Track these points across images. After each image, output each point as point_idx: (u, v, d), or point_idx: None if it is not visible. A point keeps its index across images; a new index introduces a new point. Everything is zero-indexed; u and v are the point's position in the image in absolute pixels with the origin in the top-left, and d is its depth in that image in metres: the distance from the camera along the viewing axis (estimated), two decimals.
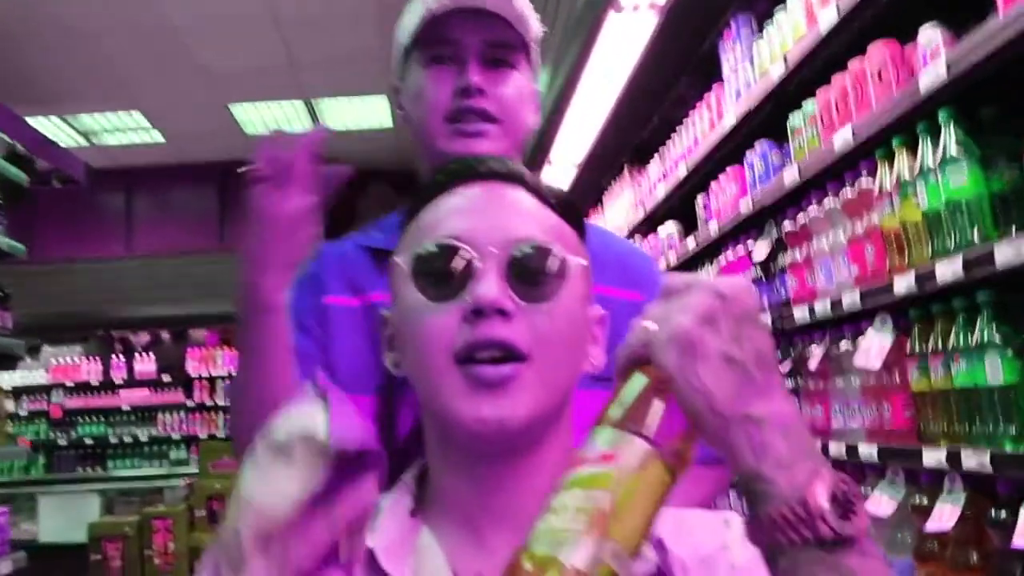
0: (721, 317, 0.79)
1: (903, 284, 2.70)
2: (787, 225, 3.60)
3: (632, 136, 5.79)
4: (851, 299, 3.03)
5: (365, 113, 10.03)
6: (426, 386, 0.99)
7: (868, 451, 3.01)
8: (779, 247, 3.71)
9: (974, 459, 2.45)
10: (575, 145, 5.89)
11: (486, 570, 0.95)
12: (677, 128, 4.99)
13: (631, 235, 6.11)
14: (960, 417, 2.56)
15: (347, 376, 1.45)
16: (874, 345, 2.91)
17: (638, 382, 0.78)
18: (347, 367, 1.50)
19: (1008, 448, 2.37)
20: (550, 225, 1.03)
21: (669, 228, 5.31)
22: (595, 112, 5.31)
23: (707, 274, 4.68)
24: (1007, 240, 2.28)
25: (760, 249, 3.85)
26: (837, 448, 3.22)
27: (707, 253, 4.65)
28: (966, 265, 2.40)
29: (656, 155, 5.41)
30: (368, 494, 0.97)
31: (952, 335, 2.57)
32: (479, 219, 1.00)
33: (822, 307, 3.25)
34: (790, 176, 3.46)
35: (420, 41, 1.56)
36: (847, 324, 3.20)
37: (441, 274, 0.98)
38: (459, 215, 1.01)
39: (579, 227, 1.08)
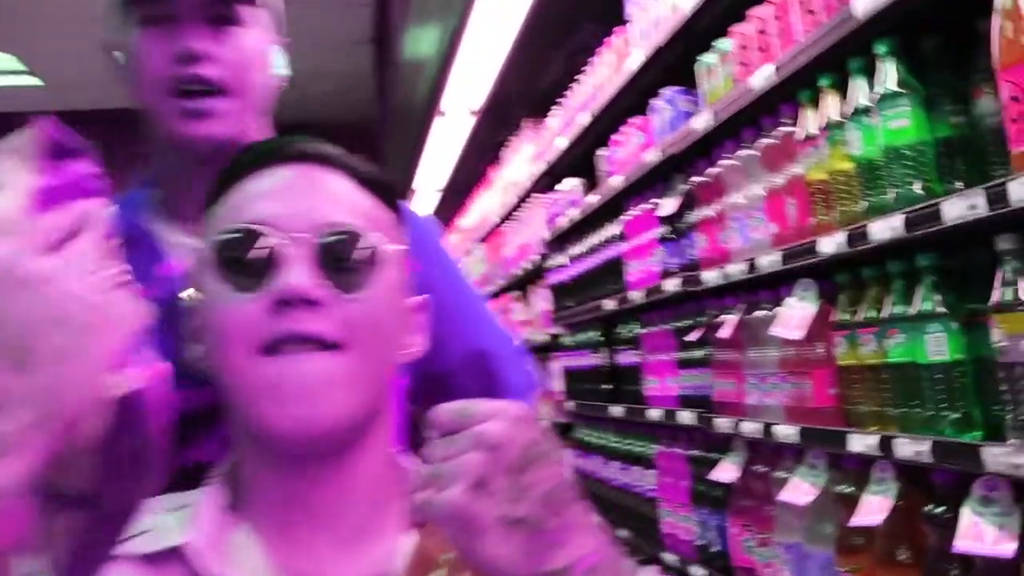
0: (496, 474, 0.74)
1: (830, 244, 2.32)
2: (697, 178, 3.20)
3: (532, 84, 5.35)
4: (769, 261, 2.64)
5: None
6: (228, 383, 0.92)
7: (787, 432, 2.64)
8: (688, 202, 3.31)
9: (909, 447, 2.09)
10: (469, 93, 5.41)
11: (306, 567, 0.93)
12: (579, 76, 4.56)
13: (531, 191, 5.68)
14: (894, 398, 2.20)
15: None
16: (795, 313, 2.53)
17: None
18: None
19: (949, 435, 2.01)
20: (364, 209, 0.98)
21: (571, 183, 4.89)
22: (490, 56, 4.85)
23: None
24: (955, 195, 1.90)
25: (667, 204, 3.45)
26: (752, 427, 2.85)
27: (610, 210, 4.25)
28: (908, 223, 2.02)
29: (557, 105, 4.97)
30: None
31: (887, 303, 2.20)
32: (286, 203, 0.94)
33: (736, 269, 2.86)
34: (701, 122, 3.06)
35: None
36: (765, 289, 2.82)
37: (244, 262, 0.91)
38: (265, 198, 0.95)
39: (397, 209, 1.04)
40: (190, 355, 0.97)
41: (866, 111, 2.18)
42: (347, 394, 0.89)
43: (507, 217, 6.64)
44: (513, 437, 0.75)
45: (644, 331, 3.91)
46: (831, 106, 2.36)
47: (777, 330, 2.57)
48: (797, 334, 2.50)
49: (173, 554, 0.91)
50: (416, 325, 1.03)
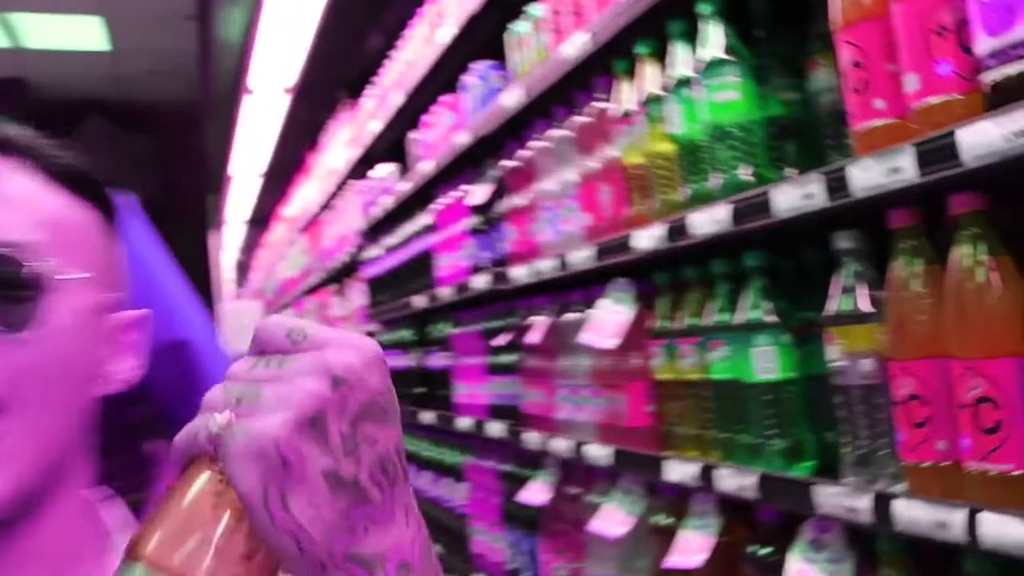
0: (333, 416, 0.55)
1: (646, 238, 1.96)
2: (508, 162, 2.81)
3: (349, 61, 4.86)
4: (581, 257, 2.27)
5: (75, 33, 8.54)
6: None
7: (599, 453, 2.28)
8: (500, 190, 2.92)
9: (733, 479, 1.74)
10: (280, 69, 4.89)
11: None
12: (392, 52, 4.12)
13: (348, 178, 5.21)
14: (717, 420, 1.86)
15: None
16: (608, 318, 2.17)
17: (195, 495, 0.53)
18: None
19: (777, 467, 1.68)
20: (48, 214, 0.78)
21: (385, 169, 4.44)
22: (299, 30, 4.35)
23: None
24: (788, 181, 1.56)
25: (477, 192, 3.05)
26: (563, 445, 2.48)
27: (421, 198, 3.82)
28: (735, 215, 1.67)
29: (371, 85, 4.51)
30: None
31: (710, 310, 1.86)
32: None
33: (547, 266, 2.48)
34: (511, 99, 2.67)
35: None
36: (578, 288, 2.46)
37: None
38: None
39: (103, 204, 0.85)
40: None
41: (688, 83, 1.83)
42: (10, 470, 0.73)
43: (326, 206, 6.14)
44: (363, 377, 0.56)
45: (455, 332, 3.50)
46: (650, 78, 2.00)
47: (587, 337, 2.20)
48: (610, 342, 2.13)
49: None
50: (127, 346, 0.85)
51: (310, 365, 0.55)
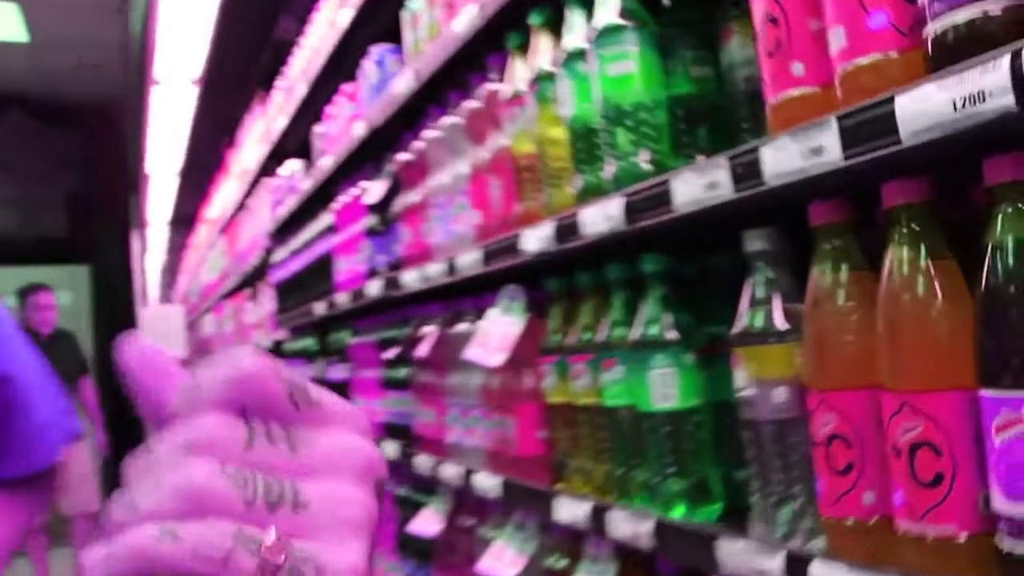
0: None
1: (534, 239, 1.66)
2: (402, 155, 2.50)
3: (256, 51, 4.51)
4: (469, 260, 1.96)
5: None
6: None
7: (488, 484, 1.97)
8: (395, 186, 2.60)
9: (627, 524, 1.44)
10: (185, 58, 4.52)
11: None
12: (301, 39, 3.78)
13: (260, 177, 4.84)
14: (612, 453, 1.56)
15: None
16: (496, 330, 1.86)
17: None
18: None
19: (678, 512, 1.38)
20: None
21: (291, 167, 4.10)
22: (201, 14, 3.99)
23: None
24: (690, 168, 1.26)
25: (374, 190, 2.73)
26: (453, 472, 2.17)
27: (323, 197, 3.49)
28: (629, 210, 1.37)
29: (280, 76, 4.17)
30: None
31: (605, 322, 1.56)
32: None
33: (436, 270, 2.17)
34: (403, 84, 2.35)
35: None
36: (470, 296, 2.15)
37: None
38: None
39: None
40: None
41: (581, 55, 1.52)
42: None
43: (241, 206, 5.76)
44: None
45: (352, 341, 3.17)
46: (543, 52, 1.69)
47: (473, 352, 1.89)
48: (496, 358, 1.82)
49: None
50: None
51: (353, 458, 0.40)
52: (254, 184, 5.11)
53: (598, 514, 1.53)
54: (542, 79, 1.65)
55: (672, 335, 1.38)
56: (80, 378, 6.14)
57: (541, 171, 1.70)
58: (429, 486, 2.53)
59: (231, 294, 6.63)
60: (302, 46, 3.65)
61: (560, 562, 1.80)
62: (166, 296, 13.06)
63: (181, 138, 6.00)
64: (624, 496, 1.52)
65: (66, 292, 9.94)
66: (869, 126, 0.93)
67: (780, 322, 1.15)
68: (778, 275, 1.18)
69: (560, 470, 1.75)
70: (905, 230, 0.97)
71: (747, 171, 1.12)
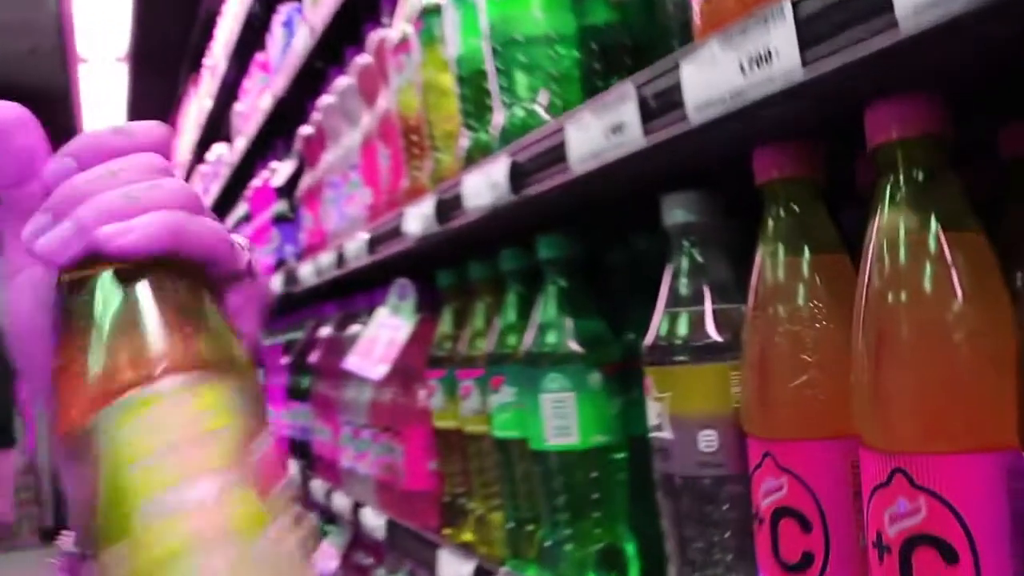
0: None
1: (414, 219, 1.26)
2: (305, 128, 2.10)
3: (183, 28, 4.10)
4: (356, 248, 1.57)
5: None
6: None
7: (375, 522, 1.57)
8: (301, 165, 2.21)
9: None
10: (110, 34, 4.10)
11: None
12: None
13: (195, 163, 4.43)
14: (503, 498, 1.17)
15: None
16: (381, 335, 1.46)
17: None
18: None
19: None
20: None
21: (217, 150, 3.69)
22: None
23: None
24: (590, 108, 0.86)
25: (282, 170, 2.33)
26: (342, 504, 1.78)
27: (241, 182, 3.08)
28: (515, 171, 0.98)
29: (207, 54, 3.76)
30: None
31: (496, 326, 1.17)
32: None
33: (327, 261, 1.78)
34: (301, 42, 1.96)
35: None
36: (362, 291, 1.76)
37: None
38: None
39: None
40: None
41: None
42: None
43: None
44: None
45: (265, 344, 2.77)
46: None
47: (353, 362, 1.49)
48: (379, 370, 1.43)
49: None
50: None
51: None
52: (188, 175, 4.69)
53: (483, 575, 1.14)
54: (428, 14, 1.26)
55: (573, 346, 0.99)
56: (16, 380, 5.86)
57: (425, 135, 1.31)
58: (328, 515, 2.13)
59: None
60: (224, 15, 3.25)
61: None
62: None
63: (116, 121, 5.56)
64: (516, 556, 1.13)
65: None
66: (844, 7, 0.55)
67: (711, 331, 0.76)
68: (710, 262, 0.79)
69: (450, 512, 1.36)
70: (905, 185, 0.58)
71: (662, 102, 0.73)
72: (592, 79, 1.03)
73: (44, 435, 9.01)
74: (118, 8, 3.77)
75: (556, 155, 0.90)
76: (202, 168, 4.13)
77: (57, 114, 8.38)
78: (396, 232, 1.36)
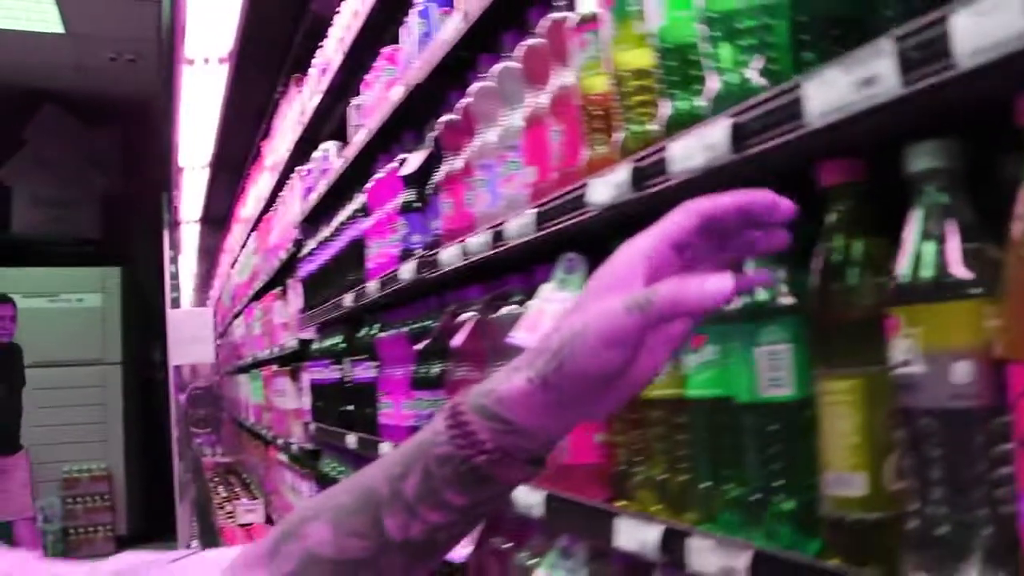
0: None
1: (603, 188, 1.35)
2: (447, 116, 2.20)
3: (290, 28, 4.27)
4: (518, 226, 1.66)
5: (27, 14, 7.94)
6: None
7: (530, 499, 1.65)
8: (436, 154, 2.31)
9: (714, 556, 1.12)
10: (216, 35, 4.29)
11: None
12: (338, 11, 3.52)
13: (293, 164, 4.59)
14: (695, 462, 1.24)
15: None
16: (549, 309, 1.55)
17: None
18: None
19: (782, 541, 1.06)
20: None
21: (324, 149, 3.83)
22: None
23: (358, 202, 3.27)
24: (835, 66, 0.94)
25: (412, 160, 2.44)
26: None
27: (358, 176, 3.21)
28: (736, 134, 1.06)
29: (319, 51, 3.91)
30: None
31: None
32: None
33: (478, 242, 1.87)
34: (450, 30, 2.07)
35: None
36: (517, 273, 1.84)
37: None
38: None
39: None
40: None
41: None
42: None
43: (274, 198, 5.52)
44: None
45: (380, 336, 2.88)
46: None
47: (520, 336, 1.58)
48: None
49: None
50: None
51: None
52: (286, 173, 4.86)
53: (673, 540, 1.21)
54: None
55: (787, 300, 1.06)
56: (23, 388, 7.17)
57: (615, 110, 1.39)
58: None
59: (260, 295, 6.39)
60: (340, 12, 3.39)
61: None
62: (200, 300, 12.88)
63: (212, 125, 5.77)
64: (707, 518, 1.20)
65: (97, 295, 9.80)
66: None
67: (959, 269, 0.83)
68: (956, 204, 0.86)
69: (621, 483, 1.44)
70: None
71: (925, 54, 0.80)
72: (800, 47, 1.11)
73: (118, 445, 9.28)
74: (227, 9, 3.93)
75: (789, 112, 0.98)
76: (307, 166, 4.28)
77: (149, 118, 8.70)
78: (575, 204, 1.45)
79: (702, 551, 1.14)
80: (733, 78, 1.11)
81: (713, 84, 1.13)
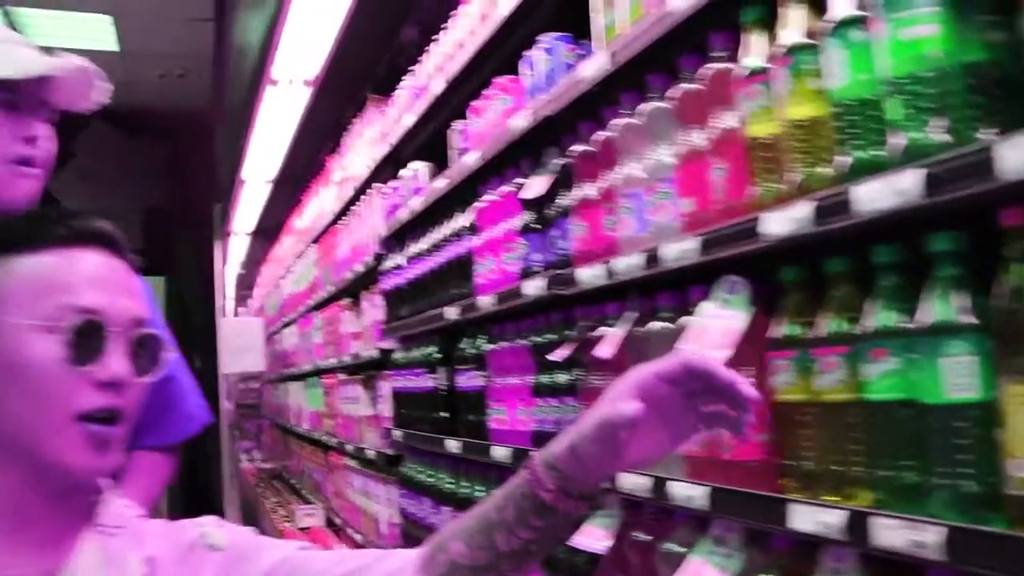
0: None
1: (781, 222, 1.58)
2: (579, 147, 2.44)
3: (376, 55, 4.52)
4: (680, 250, 1.89)
5: (84, 33, 8.24)
6: (33, 433, 1.16)
7: (690, 493, 1.88)
8: (563, 180, 2.55)
9: (904, 532, 1.35)
10: (304, 58, 4.54)
11: (7, 563, 1.16)
12: (435, 38, 3.76)
13: (372, 180, 4.84)
14: (873, 453, 1.47)
15: None
16: (715, 325, 1.78)
17: None
18: None
19: (967, 518, 1.28)
20: (148, 301, 1.30)
21: (415, 167, 4.08)
22: (328, 14, 4.02)
23: (464, 220, 3.52)
24: (1009, 139, 1.18)
25: (535, 184, 2.68)
26: (636, 483, 2.09)
27: (460, 197, 3.45)
28: (931, 180, 1.29)
29: (409, 74, 4.15)
30: None
31: (870, 311, 1.47)
32: (111, 295, 1.20)
33: (627, 264, 2.11)
34: (592, 68, 2.30)
35: None
36: (665, 291, 2.08)
37: (78, 343, 1.16)
38: (94, 287, 1.19)
39: None
40: None
41: (857, 22, 1.46)
42: (122, 450, 1.21)
43: (344, 212, 5.77)
44: None
45: (493, 347, 3.11)
46: (794, 24, 1.63)
47: (687, 349, 1.81)
48: (718, 355, 1.74)
49: None
50: None
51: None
52: (362, 189, 5.11)
53: (858, 521, 1.44)
54: (798, 51, 1.59)
55: (968, 319, 1.29)
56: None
57: (784, 152, 1.63)
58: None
59: (321, 305, 6.64)
60: (441, 41, 3.64)
61: None
62: (241, 309, 13.17)
63: (283, 141, 6.04)
64: (887, 502, 1.43)
65: None
66: None
67: None
68: None
69: (786, 475, 1.67)
70: None
71: None
72: (970, 108, 1.34)
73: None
74: (322, 34, 4.19)
75: (979, 168, 1.21)
76: (385, 186, 4.53)
77: (195, 132, 8.98)
78: (746, 234, 1.68)
79: (890, 529, 1.37)
80: (918, 134, 1.34)
81: (898, 139, 1.37)
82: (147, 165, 11.06)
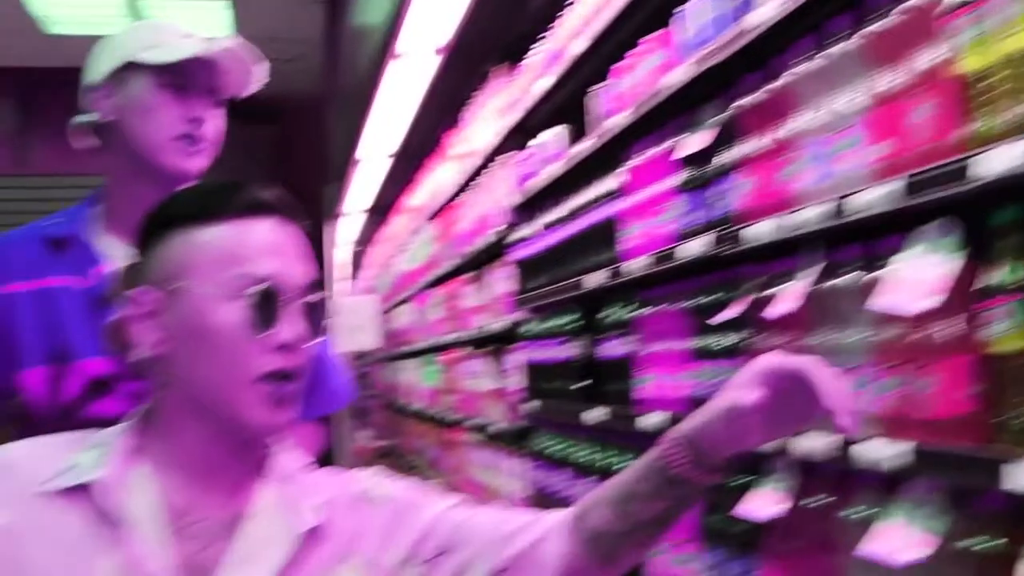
0: None
1: (1003, 160, 1.49)
2: (746, 99, 2.37)
3: (505, 24, 4.50)
4: (875, 197, 1.81)
5: (201, 19, 8.42)
6: (218, 392, 1.27)
7: (887, 452, 1.80)
8: (725, 136, 2.48)
9: None
10: (433, 28, 4.54)
11: (196, 506, 1.29)
12: (569, 1, 3.71)
13: (498, 152, 4.82)
14: None
15: (25, 352, 1.78)
16: (922, 275, 1.70)
17: None
18: (27, 344, 1.78)
19: None
20: (315, 264, 1.36)
21: (552, 132, 4.03)
22: None
23: (607, 186, 3.47)
24: None
25: (695, 140, 2.61)
26: (815, 444, 2.02)
27: (602, 162, 3.39)
28: None
29: (540, 40, 4.11)
30: None
31: None
32: (284, 262, 1.30)
33: (808, 216, 2.03)
34: (764, 14, 2.22)
35: (162, 66, 1.87)
36: (851, 243, 2.00)
37: (258, 309, 1.26)
38: (269, 255, 1.29)
39: None
40: (145, 339, 1.29)
41: None
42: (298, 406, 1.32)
43: (464, 188, 5.77)
44: None
45: (642, 312, 3.06)
46: None
47: (885, 301, 1.73)
48: (925, 303, 1.66)
49: (83, 488, 1.24)
50: None
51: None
52: (487, 161, 5.09)
53: None
54: None
55: None
56: None
57: (1002, 89, 1.53)
58: (750, 466, 2.38)
59: (440, 281, 6.67)
60: (579, 2, 3.58)
61: (994, 543, 1.62)
62: (352, 287, 13.35)
63: (407, 114, 6.06)
64: None
65: None
66: None
67: None
68: None
69: (999, 431, 1.58)
70: None
71: None
72: None
73: None
74: (451, 2, 4.18)
75: None
76: (514, 155, 4.50)
77: (305, 115, 9.10)
78: (956, 175, 1.59)
79: None
80: None
81: None
82: (255, 150, 11.28)
